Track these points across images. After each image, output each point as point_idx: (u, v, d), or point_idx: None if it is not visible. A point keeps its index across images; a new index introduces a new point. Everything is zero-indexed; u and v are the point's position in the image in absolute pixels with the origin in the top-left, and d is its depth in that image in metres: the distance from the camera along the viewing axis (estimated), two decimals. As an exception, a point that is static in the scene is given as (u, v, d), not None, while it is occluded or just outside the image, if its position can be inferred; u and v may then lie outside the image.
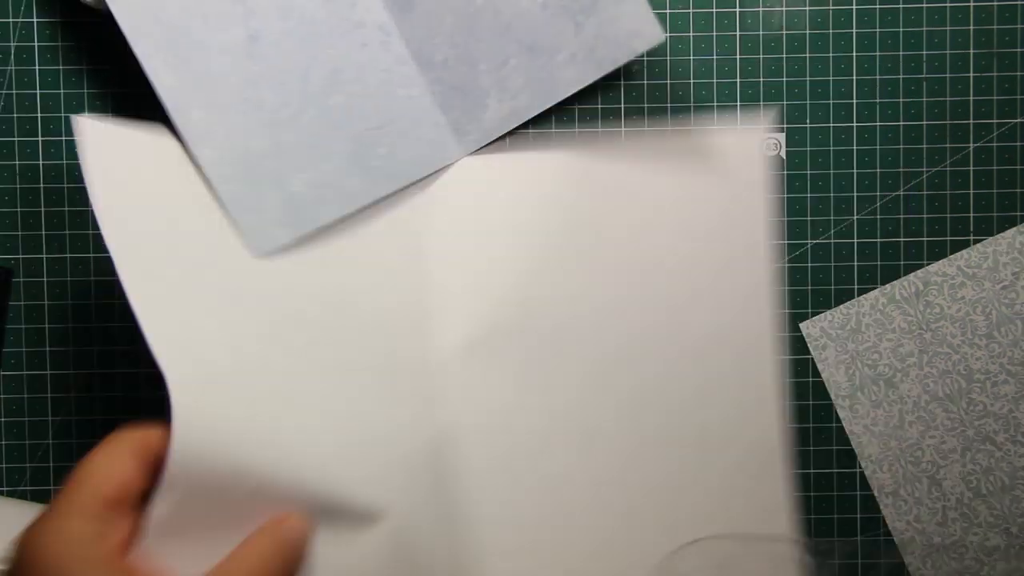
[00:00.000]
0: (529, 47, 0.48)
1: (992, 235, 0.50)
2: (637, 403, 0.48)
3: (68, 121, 0.49)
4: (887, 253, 0.50)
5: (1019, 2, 0.50)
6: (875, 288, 0.51)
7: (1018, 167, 0.50)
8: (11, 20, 0.49)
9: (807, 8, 0.50)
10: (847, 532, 0.51)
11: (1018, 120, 0.50)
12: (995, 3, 0.50)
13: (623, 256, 0.48)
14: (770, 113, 0.50)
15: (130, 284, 0.38)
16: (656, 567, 0.46)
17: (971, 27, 0.50)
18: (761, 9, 0.50)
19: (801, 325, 0.51)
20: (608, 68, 0.48)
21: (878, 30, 0.50)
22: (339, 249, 0.47)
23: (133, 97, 0.49)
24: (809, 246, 0.50)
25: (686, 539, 0.47)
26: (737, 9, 0.50)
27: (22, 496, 0.50)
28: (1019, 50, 0.50)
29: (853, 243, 0.50)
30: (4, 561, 0.36)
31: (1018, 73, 0.50)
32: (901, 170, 0.50)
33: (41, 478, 0.50)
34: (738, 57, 0.50)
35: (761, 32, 0.50)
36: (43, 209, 0.50)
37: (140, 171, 0.42)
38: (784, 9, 0.50)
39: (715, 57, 0.50)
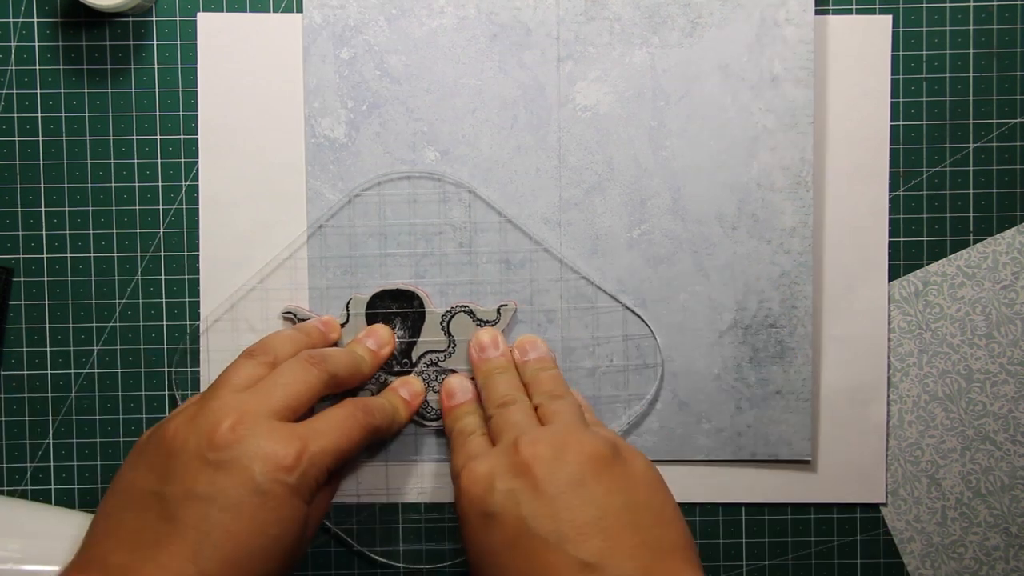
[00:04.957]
0: (681, 402, 0.49)
1: (992, 235, 0.50)
2: None
3: (68, 121, 0.49)
4: (887, 253, 0.50)
5: (1019, 2, 0.50)
6: (875, 288, 0.51)
7: (1018, 167, 0.50)
8: (11, 20, 0.49)
9: (807, 8, 0.50)
10: (847, 532, 0.51)
11: (1018, 120, 0.50)
12: (995, 3, 0.50)
13: None
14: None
15: None
16: None
17: (971, 27, 0.50)
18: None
19: (801, 325, 0.51)
20: (743, 456, 0.50)
21: (878, 30, 0.50)
22: None
23: (133, 96, 0.50)
24: (809, 246, 0.50)
25: None
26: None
27: (22, 496, 0.50)
28: (1019, 50, 0.50)
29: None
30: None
31: (1018, 73, 0.50)
32: (901, 170, 0.50)
33: (41, 478, 0.50)
34: (738, 57, 0.50)
35: (761, 32, 0.50)
36: (43, 209, 0.50)
37: None
38: (784, 9, 0.50)
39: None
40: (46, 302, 0.50)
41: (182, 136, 0.50)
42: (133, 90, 0.50)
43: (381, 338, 0.48)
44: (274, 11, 0.49)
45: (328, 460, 0.40)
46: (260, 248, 0.49)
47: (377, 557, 0.50)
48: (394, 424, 0.46)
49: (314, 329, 0.47)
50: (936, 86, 0.50)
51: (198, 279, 0.50)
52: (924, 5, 0.50)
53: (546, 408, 0.44)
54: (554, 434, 0.40)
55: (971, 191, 0.50)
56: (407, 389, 0.48)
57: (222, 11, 0.49)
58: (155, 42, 0.49)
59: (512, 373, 0.47)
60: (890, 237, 0.50)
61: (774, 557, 0.51)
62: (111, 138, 0.50)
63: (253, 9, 0.49)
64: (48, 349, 0.50)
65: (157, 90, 0.50)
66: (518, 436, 0.40)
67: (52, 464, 0.50)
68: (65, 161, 0.49)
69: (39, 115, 0.49)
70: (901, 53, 0.50)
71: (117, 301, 0.50)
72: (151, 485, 0.39)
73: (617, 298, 0.49)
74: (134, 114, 0.50)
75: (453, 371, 0.49)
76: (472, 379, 0.48)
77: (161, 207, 0.50)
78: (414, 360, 0.49)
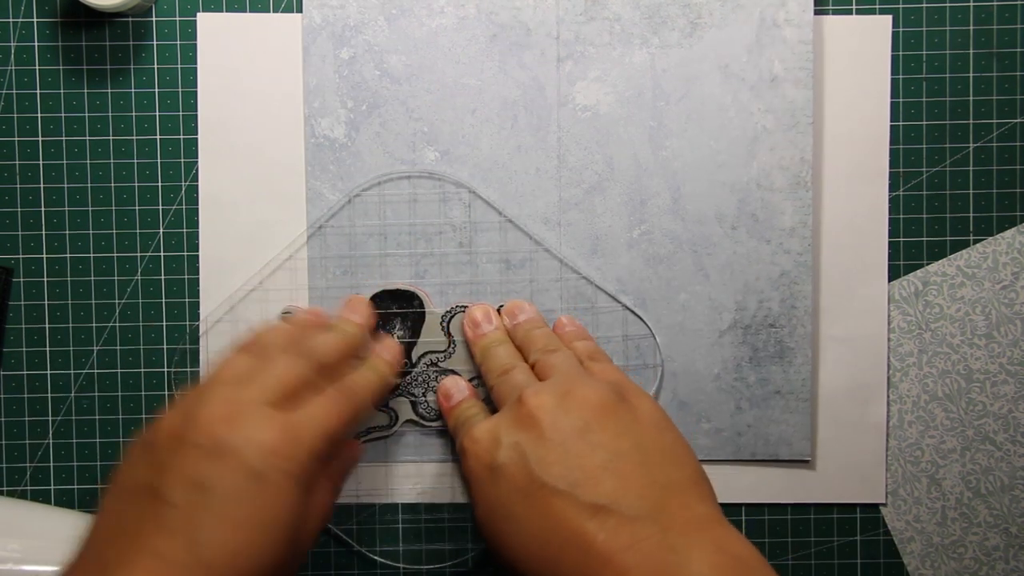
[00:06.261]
0: (681, 402, 0.50)
1: (992, 235, 0.50)
2: None
3: (68, 121, 0.49)
4: (887, 253, 0.50)
5: (1019, 2, 0.50)
6: (875, 288, 0.51)
7: (1018, 167, 0.50)
8: (11, 20, 0.49)
9: (807, 8, 0.50)
10: (847, 532, 0.51)
11: (1018, 120, 0.50)
12: (995, 3, 0.50)
13: None
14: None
15: None
16: None
17: (971, 27, 0.50)
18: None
19: (801, 325, 0.51)
20: (743, 456, 0.50)
21: (878, 30, 0.50)
22: None
23: (133, 96, 0.50)
24: (809, 246, 0.50)
25: None
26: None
27: (22, 496, 0.50)
28: (1019, 50, 0.50)
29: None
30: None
31: (1018, 73, 0.50)
32: (901, 170, 0.50)
33: (41, 478, 0.50)
34: (738, 57, 0.50)
35: (761, 32, 0.50)
36: (43, 209, 0.50)
37: None
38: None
39: (715, 57, 0.50)
40: (46, 302, 0.50)
41: (182, 136, 0.50)
42: (133, 90, 0.50)
43: (358, 307, 0.47)
44: (274, 11, 0.49)
45: (320, 444, 0.40)
46: (260, 248, 0.50)
47: (377, 557, 0.50)
48: (384, 388, 0.46)
49: (305, 320, 0.47)
50: (936, 86, 0.50)
51: (198, 279, 0.50)
52: (924, 5, 0.50)
53: (543, 363, 0.44)
54: (556, 384, 0.41)
55: (971, 191, 0.50)
56: (387, 351, 0.47)
57: (222, 11, 0.49)
58: (155, 42, 0.49)
59: (508, 344, 0.47)
60: (890, 237, 0.50)
61: (774, 557, 0.51)
62: (111, 138, 0.50)
63: (253, 9, 0.49)
64: (48, 349, 0.50)
65: (157, 90, 0.50)
66: (522, 392, 0.41)
67: (52, 464, 0.50)
68: (65, 161, 0.50)
69: (39, 115, 0.49)
70: (901, 53, 0.50)
71: (117, 301, 0.50)
72: (145, 478, 0.38)
73: (617, 298, 0.49)
74: (134, 114, 0.50)
75: (453, 371, 0.49)
76: (468, 380, 0.48)
77: (161, 207, 0.50)
78: (414, 360, 0.49)
